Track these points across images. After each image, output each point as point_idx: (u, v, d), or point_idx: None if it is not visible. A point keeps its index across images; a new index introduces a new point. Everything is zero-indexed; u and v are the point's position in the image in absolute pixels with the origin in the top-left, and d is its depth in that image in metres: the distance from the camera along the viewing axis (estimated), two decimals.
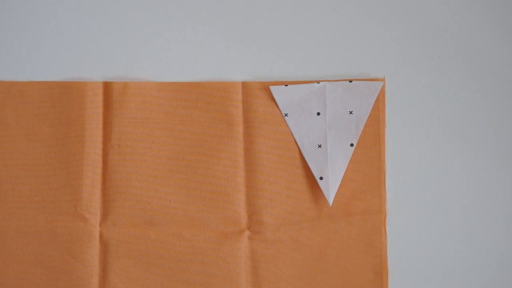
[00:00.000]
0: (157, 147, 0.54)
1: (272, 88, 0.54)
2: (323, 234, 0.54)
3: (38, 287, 0.53)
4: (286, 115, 0.54)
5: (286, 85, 0.54)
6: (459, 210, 0.54)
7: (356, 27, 0.56)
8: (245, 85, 0.55)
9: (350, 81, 0.54)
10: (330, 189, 0.54)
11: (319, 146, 0.54)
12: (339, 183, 0.54)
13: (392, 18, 0.56)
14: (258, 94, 0.54)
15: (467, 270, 0.53)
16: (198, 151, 0.54)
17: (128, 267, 0.54)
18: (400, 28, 0.56)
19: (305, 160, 0.54)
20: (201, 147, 0.54)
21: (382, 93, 0.55)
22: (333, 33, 0.56)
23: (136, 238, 0.54)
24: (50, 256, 0.53)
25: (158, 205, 0.54)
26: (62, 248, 0.53)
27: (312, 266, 0.54)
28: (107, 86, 0.54)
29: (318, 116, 0.54)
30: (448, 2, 0.56)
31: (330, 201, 0.54)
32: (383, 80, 0.55)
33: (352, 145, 0.54)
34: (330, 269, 0.54)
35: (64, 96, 0.54)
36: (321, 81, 0.55)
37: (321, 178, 0.54)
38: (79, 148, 0.54)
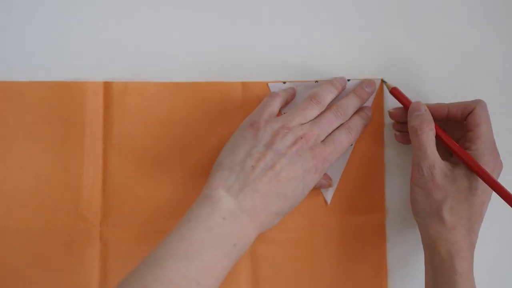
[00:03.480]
0: (157, 147, 0.54)
1: (270, 85, 0.55)
2: (323, 234, 0.54)
3: (38, 287, 0.53)
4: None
5: (284, 83, 0.54)
6: None
7: (355, 27, 0.56)
8: (245, 85, 0.55)
9: (348, 80, 0.54)
10: (329, 188, 0.54)
11: None
12: (338, 182, 0.54)
13: (391, 18, 0.56)
14: (258, 94, 0.55)
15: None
16: (198, 151, 0.54)
17: (128, 267, 0.53)
18: (400, 28, 0.56)
19: None
20: (201, 147, 0.54)
21: (380, 92, 0.55)
22: (333, 33, 0.56)
23: (136, 238, 0.54)
24: (50, 256, 0.53)
25: (158, 205, 0.54)
26: (62, 248, 0.53)
27: (312, 266, 0.54)
28: (108, 86, 0.54)
29: None
30: (448, 2, 0.56)
31: (329, 200, 0.54)
32: (381, 79, 0.55)
33: (351, 144, 0.54)
34: (329, 269, 0.54)
35: (64, 96, 0.54)
36: (319, 80, 0.55)
37: None
38: (79, 148, 0.54)
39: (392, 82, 0.54)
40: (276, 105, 0.51)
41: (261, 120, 0.49)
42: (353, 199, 0.55)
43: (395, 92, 0.52)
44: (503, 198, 0.46)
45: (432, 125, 0.49)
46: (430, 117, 0.49)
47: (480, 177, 0.47)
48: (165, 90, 0.55)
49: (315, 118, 0.50)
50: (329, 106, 0.51)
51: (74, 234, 0.53)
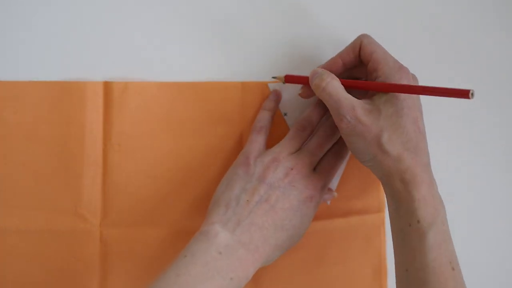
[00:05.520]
0: (157, 147, 0.54)
1: (270, 85, 0.55)
2: (322, 234, 0.54)
3: (38, 287, 0.53)
4: (285, 114, 0.54)
5: (284, 83, 0.54)
6: (458, 210, 0.54)
7: (355, 27, 0.56)
8: (244, 85, 0.55)
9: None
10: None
11: None
12: (338, 182, 0.54)
13: (391, 18, 0.56)
14: (258, 94, 0.55)
15: (466, 269, 0.53)
16: (198, 151, 0.54)
17: (128, 267, 0.54)
18: (399, 28, 0.56)
19: None
20: (201, 147, 0.54)
21: None
22: (332, 32, 0.56)
23: (136, 238, 0.54)
24: (50, 256, 0.53)
25: (158, 205, 0.54)
26: (62, 248, 0.53)
27: (311, 265, 0.54)
28: (108, 86, 0.54)
29: None
30: (448, 2, 0.56)
31: (329, 200, 0.54)
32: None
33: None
34: (329, 268, 0.54)
35: (64, 96, 0.54)
36: None
37: None
38: (79, 148, 0.54)
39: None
40: (261, 139, 0.52)
41: (251, 157, 0.50)
42: (353, 199, 0.55)
43: (290, 79, 0.53)
44: (437, 95, 0.44)
45: (332, 75, 0.48)
46: (328, 72, 0.49)
47: (402, 92, 0.46)
48: (165, 90, 0.55)
49: (306, 144, 0.51)
50: (317, 129, 0.52)
51: (74, 234, 0.53)
